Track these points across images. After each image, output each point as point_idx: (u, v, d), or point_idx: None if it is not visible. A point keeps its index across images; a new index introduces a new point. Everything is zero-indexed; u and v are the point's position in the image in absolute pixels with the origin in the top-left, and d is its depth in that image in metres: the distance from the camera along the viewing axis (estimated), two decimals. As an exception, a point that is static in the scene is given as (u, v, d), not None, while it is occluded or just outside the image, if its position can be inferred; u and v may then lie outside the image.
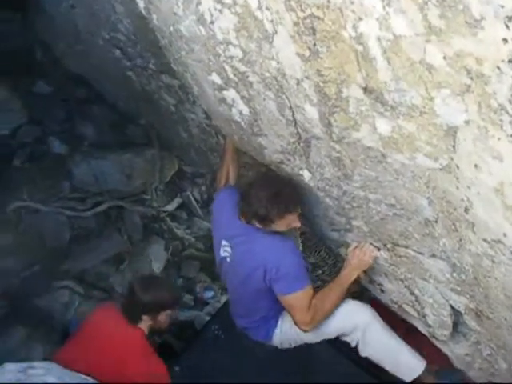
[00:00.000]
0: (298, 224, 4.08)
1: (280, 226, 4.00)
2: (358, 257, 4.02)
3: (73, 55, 6.42)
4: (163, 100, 5.54)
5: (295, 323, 4.12)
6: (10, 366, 3.42)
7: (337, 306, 4.19)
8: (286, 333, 4.37)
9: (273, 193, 3.88)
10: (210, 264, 6.46)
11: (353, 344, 4.37)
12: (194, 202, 6.77)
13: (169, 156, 6.71)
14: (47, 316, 5.57)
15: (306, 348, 4.54)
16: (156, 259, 6.32)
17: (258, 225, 4.01)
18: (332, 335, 4.37)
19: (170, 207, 6.66)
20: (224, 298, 5.96)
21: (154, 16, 3.79)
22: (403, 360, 4.34)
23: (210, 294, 6.23)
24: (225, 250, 4.24)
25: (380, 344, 4.30)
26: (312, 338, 4.38)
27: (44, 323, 5.48)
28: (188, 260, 6.53)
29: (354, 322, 4.28)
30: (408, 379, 4.36)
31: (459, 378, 4.37)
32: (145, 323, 4.39)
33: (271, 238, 4.07)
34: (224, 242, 4.24)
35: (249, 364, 4.71)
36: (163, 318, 4.48)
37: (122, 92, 6.24)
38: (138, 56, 5.11)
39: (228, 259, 4.23)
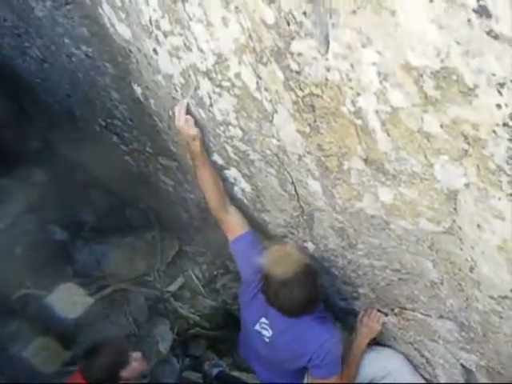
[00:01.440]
0: None
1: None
2: (367, 325, 4.06)
3: (69, 142, 6.50)
4: (161, 182, 5.61)
5: None
6: None
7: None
8: None
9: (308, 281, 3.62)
10: (216, 341, 6.50)
11: None
12: (196, 280, 6.78)
13: (169, 237, 6.74)
14: (58, 401, 5.56)
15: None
16: (162, 340, 6.32)
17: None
18: (363, 381, 4.34)
19: (173, 287, 6.66)
20: (233, 373, 5.97)
21: (152, 101, 3.91)
22: None
23: (218, 370, 6.21)
24: (263, 328, 4.07)
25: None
26: None
27: (55, 409, 5.46)
28: (194, 339, 6.54)
29: (387, 369, 4.29)
30: None
31: None
32: None
33: (316, 325, 3.93)
34: (264, 320, 4.04)
35: None
36: (126, 374, 4.15)
37: (120, 176, 6.32)
38: (134, 140, 5.19)
39: (267, 339, 4.07)
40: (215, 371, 6.20)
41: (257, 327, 4.08)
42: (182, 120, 3.55)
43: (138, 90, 3.97)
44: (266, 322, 4.03)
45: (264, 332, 4.06)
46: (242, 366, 6.09)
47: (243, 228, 3.98)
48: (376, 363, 4.29)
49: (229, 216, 3.95)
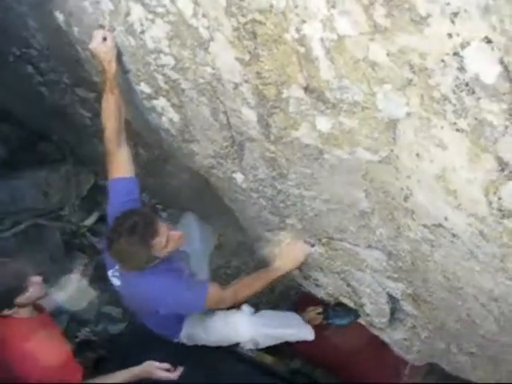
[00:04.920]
0: (177, 235, 3.81)
1: (160, 250, 3.71)
2: (290, 253, 4.06)
3: (-22, 73, 6.29)
4: (78, 114, 5.49)
5: None
6: None
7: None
8: (193, 332, 4.44)
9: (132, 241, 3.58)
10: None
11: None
12: (111, 214, 6.72)
13: (84, 170, 6.62)
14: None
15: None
16: (80, 275, 6.27)
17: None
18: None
19: (89, 221, 6.59)
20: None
21: (75, 29, 3.79)
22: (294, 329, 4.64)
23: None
24: (114, 275, 3.99)
25: (269, 339, 4.59)
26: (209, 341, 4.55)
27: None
28: (112, 273, 6.50)
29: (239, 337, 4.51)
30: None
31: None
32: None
33: (155, 280, 3.83)
34: (117, 267, 3.95)
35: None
36: (21, 301, 3.71)
37: (32, 109, 6.15)
38: (51, 70, 5.05)
39: (117, 288, 4.06)
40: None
41: (110, 273, 4.02)
42: (97, 40, 3.48)
43: (60, 18, 3.84)
44: (116, 273, 3.98)
45: (114, 280, 4.01)
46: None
47: (129, 171, 3.86)
48: (228, 333, 4.49)
49: (119, 152, 3.81)
